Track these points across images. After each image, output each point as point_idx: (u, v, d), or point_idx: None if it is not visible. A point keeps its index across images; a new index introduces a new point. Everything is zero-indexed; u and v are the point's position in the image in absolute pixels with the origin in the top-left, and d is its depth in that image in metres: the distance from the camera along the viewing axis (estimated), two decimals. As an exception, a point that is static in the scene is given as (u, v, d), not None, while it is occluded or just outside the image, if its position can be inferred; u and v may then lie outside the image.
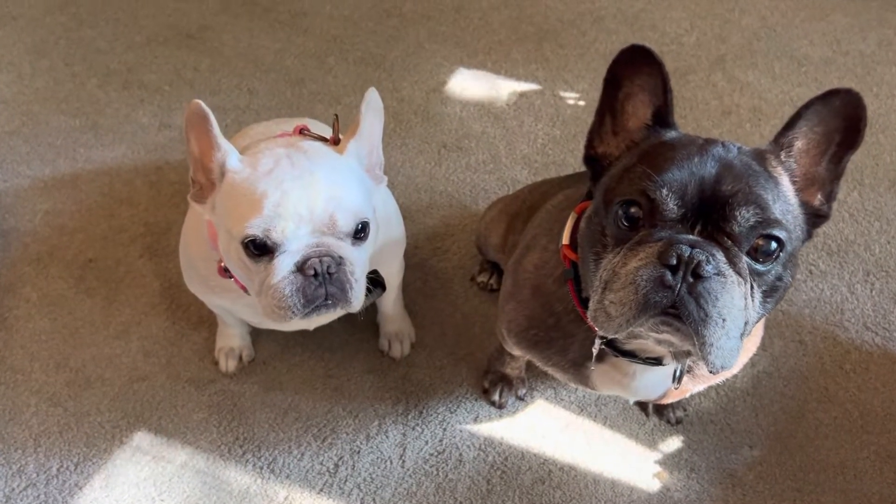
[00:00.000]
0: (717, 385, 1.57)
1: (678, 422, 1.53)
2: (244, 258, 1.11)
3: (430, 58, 2.41)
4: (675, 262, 0.83)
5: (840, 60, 2.38)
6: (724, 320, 0.85)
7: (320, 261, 1.10)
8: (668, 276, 0.84)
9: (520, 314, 1.19)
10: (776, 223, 0.87)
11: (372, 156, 1.25)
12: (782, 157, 0.95)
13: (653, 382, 1.13)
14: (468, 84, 2.31)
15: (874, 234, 1.88)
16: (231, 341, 1.62)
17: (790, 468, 1.47)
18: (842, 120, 0.93)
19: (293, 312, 1.13)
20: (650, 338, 0.95)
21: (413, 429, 1.53)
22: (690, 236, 0.86)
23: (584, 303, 1.03)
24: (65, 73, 2.33)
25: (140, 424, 1.54)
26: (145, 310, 1.73)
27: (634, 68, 0.96)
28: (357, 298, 1.17)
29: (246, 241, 1.08)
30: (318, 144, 1.22)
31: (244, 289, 1.24)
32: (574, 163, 2.06)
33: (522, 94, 2.27)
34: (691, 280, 0.83)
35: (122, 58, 2.38)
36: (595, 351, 1.09)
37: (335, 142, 1.27)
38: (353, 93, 2.28)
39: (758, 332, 1.21)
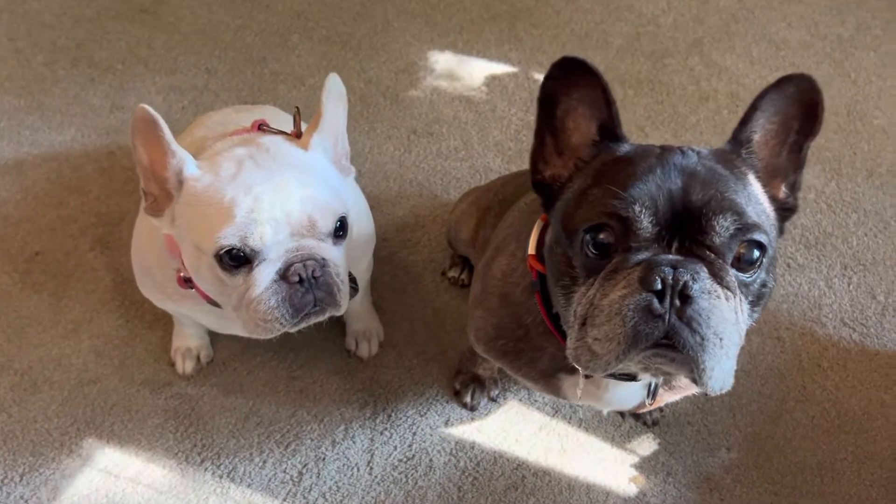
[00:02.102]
0: (695, 385, 1.53)
1: (654, 423, 1.49)
2: (219, 273, 1.03)
3: (398, 36, 2.30)
4: (660, 286, 0.77)
5: (818, 45, 2.34)
6: (720, 339, 0.79)
7: (304, 265, 1.03)
8: (656, 303, 0.77)
9: (488, 323, 1.13)
10: (756, 227, 0.81)
11: (337, 146, 1.17)
12: (743, 154, 0.90)
13: (627, 394, 1.08)
14: (438, 65, 2.22)
15: (851, 226, 1.85)
16: (188, 341, 1.53)
17: (767, 471, 1.44)
18: (798, 107, 0.89)
19: (281, 324, 1.06)
20: (639, 370, 0.89)
21: (381, 433, 1.46)
22: (670, 256, 0.80)
23: (553, 317, 0.97)
24: (8, 49, 2.18)
25: (91, 431, 1.46)
26: (96, 307, 1.63)
27: (570, 82, 0.89)
28: (345, 300, 1.10)
29: (221, 252, 1.00)
30: (280, 140, 1.13)
31: (207, 298, 1.15)
32: (548, 150, 1.99)
33: (495, 77, 2.19)
34: (679, 304, 0.77)
35: (70, 33, 2.24)
36: (580, 390, 1.04)
37: (297, 136, 1.19)
38: (317, 73, 2.17)
39: None
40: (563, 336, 0.95)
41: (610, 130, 0.91)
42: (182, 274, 1.16)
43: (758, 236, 0.81)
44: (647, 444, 1.47)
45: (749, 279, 0.83)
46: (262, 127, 1.23)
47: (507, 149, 2.00)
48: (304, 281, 1.04)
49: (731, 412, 1.51)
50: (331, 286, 1.07)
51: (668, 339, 0.78)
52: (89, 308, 1.62)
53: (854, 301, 1.70)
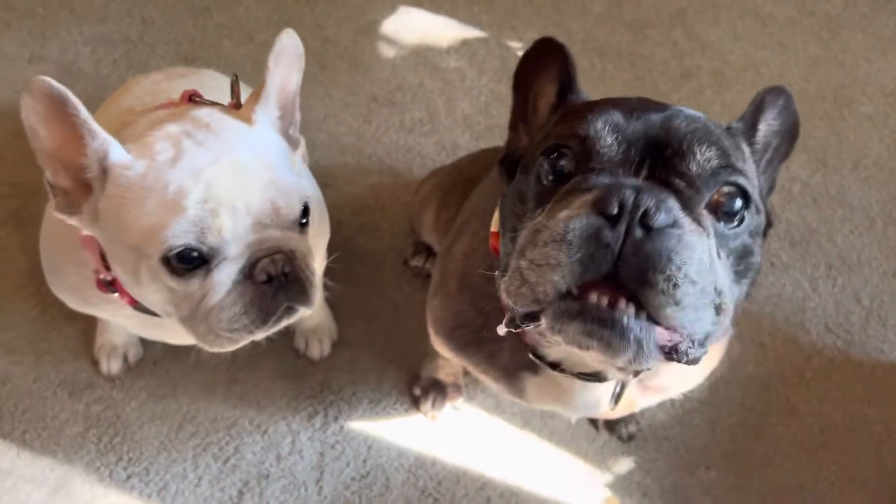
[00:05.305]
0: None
1: (630, 438, 1.38)
2: (167, 280, 0.85)
3: (359, -10, 2.09)
4: (616, 210, 0.62)
5: (805, 22, 2.21)
6: (692, 282, 0.63)
7: (272, 260, 0.86)
8: (607, 230, 0.62)
9: (447, 311, 1.01)
10: (740, 173, 0.69)
11: (286, 117, 0.99)
12: (747, 139, 0.81)
13: (595, 399, 0.95)
14: (403, 25, 2.02)
15: (837, 222, 1.75)
16: (114, 337, 1.35)
17: (748, 492, 1.35)
18: (782, 121, 0.84)
19: (250, 332, 0.89)
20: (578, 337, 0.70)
21: (332, 447, 1.32)
22: (635, 181, 0.67)
23: None
24: None
25: (-1, 439, 1.28)
26: (8, 293, 1.43)
27: (542, 63, 0.83)
28: (317, 296, 0.95)
29: (171, 254, 0.82)
30: (220, 115, 0.94)
31: (134, 304, 0.98)
32: (521, 127, 1.83)
33: (465, 41, 2.00)
34: (638, 235, 0.62)
35: (-18, -32, 1.97)
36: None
37: (237, 108, 1.00)
38: (267, 28, 1.96)
39: (720, 345, 1.05)
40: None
41: (567, 88, 0.83)
42: (102, 276, 0.97)
43: (742, 181, 0.69)
44: (622, 462, 1.36)
45: (728, 231, 0.69)
46: (192, 98, 1.03)
47: (476, 123, 1.83)
48: (273, 279, 0.87)
49: (710, 426, 1.41)
50: (303, 282, 0.91)
51: (617, 279, 0.62)
52: (-1, 295, 1.43)
53: (839, 305, 1.61)
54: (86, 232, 0.91)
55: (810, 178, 1.82)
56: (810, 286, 1.63)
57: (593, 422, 1.40)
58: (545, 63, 0.83)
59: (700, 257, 0.64)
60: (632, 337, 0.62)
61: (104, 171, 0.84)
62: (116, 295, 0.98)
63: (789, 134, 0.85)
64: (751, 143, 0.81)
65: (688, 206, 0.66)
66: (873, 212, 1.77)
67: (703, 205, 0.68)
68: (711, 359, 1.03)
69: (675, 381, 0.99)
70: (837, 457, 1.40)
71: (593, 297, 0.63)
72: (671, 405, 1.43)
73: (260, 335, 0.92)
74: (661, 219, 0.62)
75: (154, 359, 1.39)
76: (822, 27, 2.20)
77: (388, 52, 1.95)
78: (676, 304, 0.62)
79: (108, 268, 0.95)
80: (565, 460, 1.36)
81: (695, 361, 0.67)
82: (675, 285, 0.62)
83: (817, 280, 1.64)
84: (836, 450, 1.41)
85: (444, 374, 1.36)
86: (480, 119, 1.84)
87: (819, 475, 1.38)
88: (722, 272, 0.68)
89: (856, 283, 1.64)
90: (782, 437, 1.42)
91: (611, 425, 1.39)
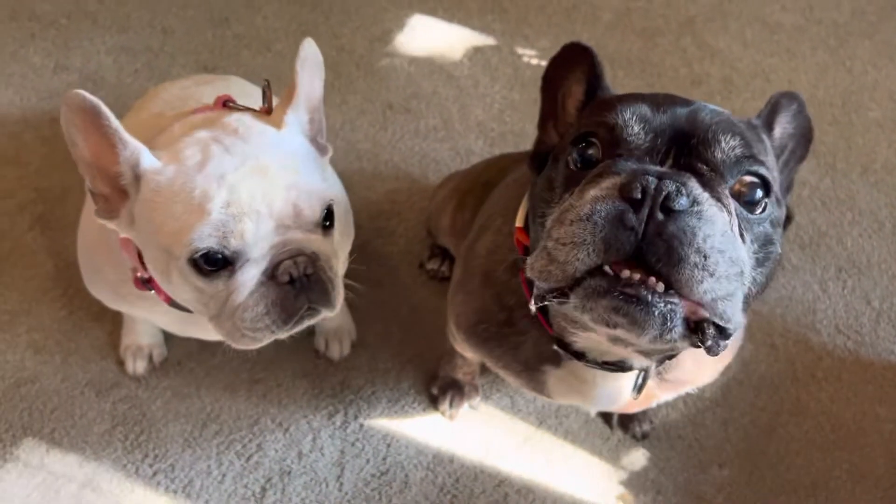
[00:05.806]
0: (686, 394, 1.45)
1: (644, 436, 1.40)
2: (194, 279, 0.89)
3: (374, 0, 2.14)
4: (639, 195, 0.66)
5: (813, 29, 2.24)
6: (720, 253, 0.66)
7: (294, 262, 0.89)
8: (630, 214, 0.65)
9: (469, 307, 1.04)
10: (762, 163, 0.73)
11: (314, 123, 1.03)
12: (768, 135, 0.83)
13: (615, 391, 0.98)
14: (417, 34, 2.06)
15: (846, 225, 1.77)
16: (140, 338, 1.39)
17: (761, 490, 1.37)
18: (796, 125, 0.87)
19: (272, 331, 0.92)
20: (601, 332, 0.76)
21: (352, 445, 1.35)
22: (658, 168, 0.71)
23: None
24: (-64, -4, 1.96)
25: (28, 436, 1.31)
26: (36, 295, 1.46)
27: (569, 65, 0.88)
28: (339, 298, 0.97)
29: (196, 256, 0.86)
30: (249, 119, 0.97)
31: (169, 301, 1.01)
32: (534, 133, 1.86)
33: (478, 49, 2.04)
34: (661, 218, 0.65)
35: (8, -20, 2.02)
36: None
37: (268, 112, 1.04)
38: (284, 38, 2.00)
39: (735, 341, 1.07)
40: (548, 318, 0.88)
41: (595, 86, 0.87)
42: (139, 274, 1.01)
43: (763, 171, 0.73)
44: (635, 460, 1.38)
45: (751, 217, 0.73)
46: (227, 104, 1.07)
47: (490, 130, 1.86)
48: (296, 280, 0.90)
49: (723, 425, 1.43)
50: (324, 284, 0.93)
51: (641, 259, 0.65)
52: (27, 297, 1.46)
53: (849, 306, 1.63)
54: (123, 234, 0.95)
55: (819, 182, 1.85)
56: (820, 288, 1.65)
57: (608, 421, 1.42)
58: (572, 65, 0.87)
59: (723, 230, 0.67)
60: (657, 313, 0.65)
61: (137, 177, 0.88)
62: (153, 292, 1.02)
63: (804, 137, 0.88)
64: (770, 137, 0.84)
65: (709, 187, 0.69)
66: (882, 215, 1.80)
67: (725, 187, 0.71)
68: (725, 354, 1.05)
69: (692, 374, 1.01)
70: (849, 455, 1.42)
71: (625, 273, 0.66)
72: (684, 405, 1.45)
73: (282, 335, 0.95)
74: (681, 202, 0.65)
75: (178, 359, 1.42)
76: (830, 34, 2.23)
77: (402, 60, 1.99)
78: (711, 274, 0.65)
79: (145, 267, 0.98)
80: (580, 458, 1.38)
81: (715, 349, 0.69)
82: (706, 256, 0.64)
83: (827, 282, 1.66)
84: (847, 448, 1.43)
85: (461, 374, 1.39)
86: (494, 125, 1.87)
87: (831, 473, 1.40)
88: (744, 252, 0.70)
89: (865, 285, 1.67)
90: (794, 435, 1.44)
91: (625, 424, 1.41)
